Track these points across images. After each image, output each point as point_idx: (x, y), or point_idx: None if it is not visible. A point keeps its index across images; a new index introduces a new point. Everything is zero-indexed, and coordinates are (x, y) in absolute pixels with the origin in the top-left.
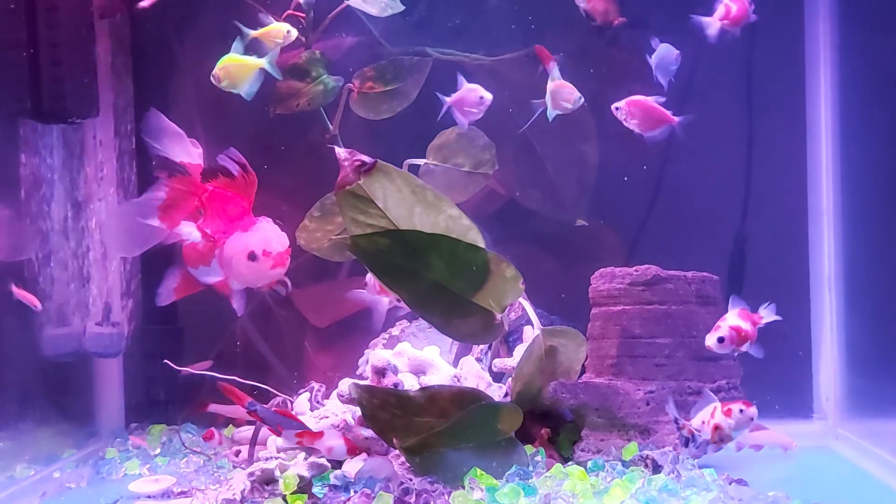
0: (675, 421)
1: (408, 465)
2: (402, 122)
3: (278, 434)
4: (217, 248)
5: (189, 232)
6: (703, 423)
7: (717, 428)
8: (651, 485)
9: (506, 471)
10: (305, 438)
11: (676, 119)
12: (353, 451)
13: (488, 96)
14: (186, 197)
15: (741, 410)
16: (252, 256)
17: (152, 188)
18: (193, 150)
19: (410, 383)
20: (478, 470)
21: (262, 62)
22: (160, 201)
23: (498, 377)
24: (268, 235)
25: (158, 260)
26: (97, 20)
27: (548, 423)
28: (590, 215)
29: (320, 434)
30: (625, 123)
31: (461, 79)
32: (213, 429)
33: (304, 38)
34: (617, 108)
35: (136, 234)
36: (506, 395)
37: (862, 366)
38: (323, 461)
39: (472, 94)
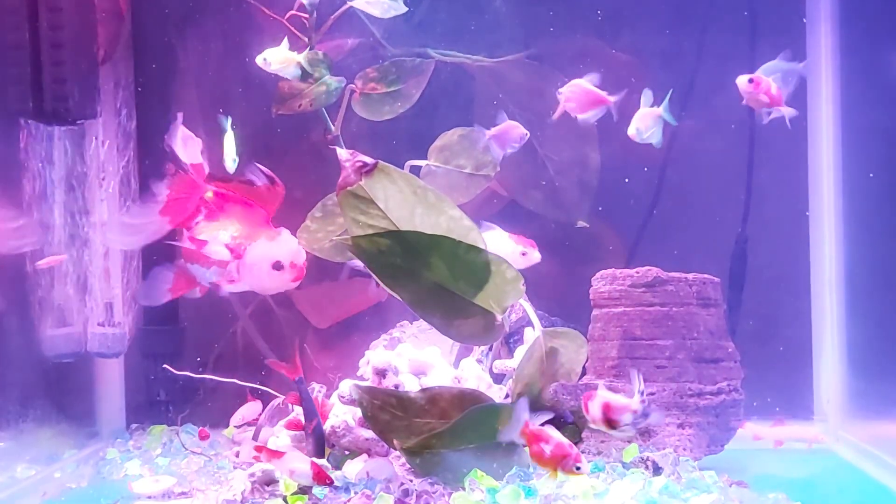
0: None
1: (408, 466)
2: (404, 123)
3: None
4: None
5: (218, 251)
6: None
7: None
8: (651, 486)
9: (506, 472)
10: (264, 455)
11: (611, 99)
12: (321, 478)
13: (526, 133)
14: (187, 194)
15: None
16: (277, 266)
17: (158, 184)
18: (198, 150)
19: (411, 384)
20: (478, 471)
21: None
22: (163, 198)
23: (499, 379)
24: (293, 247)
25: (161, 260)
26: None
27: (548, 425)
28: (591, 217)
29: (280, 454)
30: (565, 107)
31: (503, 114)
32: (203, 429)
33: (307, 39)
34: (560, 93)
35: (137, 228)
36: (506, 396)
37: (863, 368)
38: (324, 462)
39: (516, 131)
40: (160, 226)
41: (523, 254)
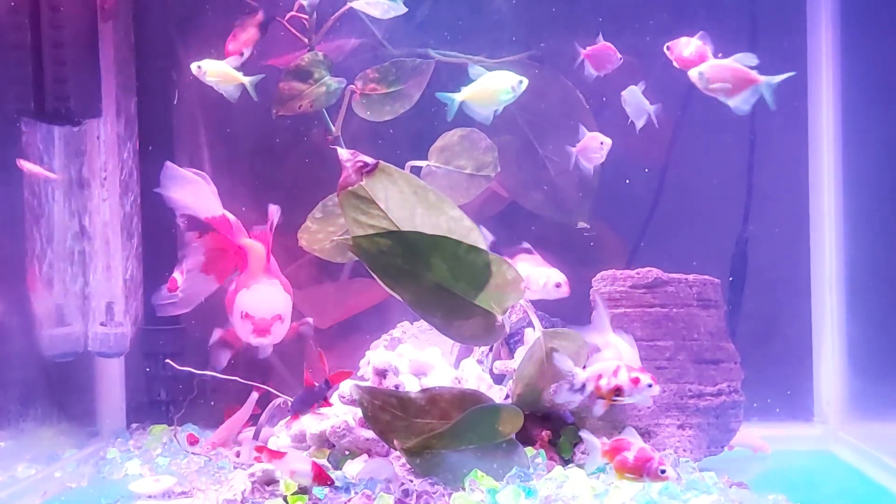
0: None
1: (408, 466)
2: (405, 124)
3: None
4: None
5: (176, 277)
6: (600, 376)
7: (617, 389)
8: (651, 487)
9: (506, 473)
10: (265, 456)
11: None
12: (321, 478)
13: (608, 141)
14: (224, 250)
15: (649, 385)
16: (244, 316)
17: (188, 254)
18: (213, 201)
19: (411, 385)
20: (478, 472)
21: None
22: (200, 264)
23: (499, 379)
24: (259, 300)
25: (160, 259)
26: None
27: (548, 426)
28: (591, 218)
29: (281, 454)
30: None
31: (583, 129)
32: (192, 433)
33: (306, 40)
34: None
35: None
36: (507, 396)
37: (863, 369)
38: (324, 461)
39: (594, 141)
40: (206, 285)
41: (557, 285)
